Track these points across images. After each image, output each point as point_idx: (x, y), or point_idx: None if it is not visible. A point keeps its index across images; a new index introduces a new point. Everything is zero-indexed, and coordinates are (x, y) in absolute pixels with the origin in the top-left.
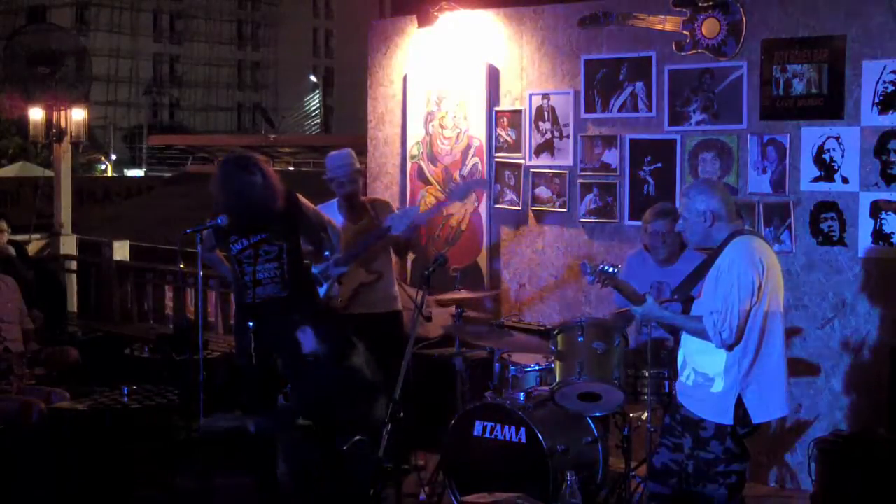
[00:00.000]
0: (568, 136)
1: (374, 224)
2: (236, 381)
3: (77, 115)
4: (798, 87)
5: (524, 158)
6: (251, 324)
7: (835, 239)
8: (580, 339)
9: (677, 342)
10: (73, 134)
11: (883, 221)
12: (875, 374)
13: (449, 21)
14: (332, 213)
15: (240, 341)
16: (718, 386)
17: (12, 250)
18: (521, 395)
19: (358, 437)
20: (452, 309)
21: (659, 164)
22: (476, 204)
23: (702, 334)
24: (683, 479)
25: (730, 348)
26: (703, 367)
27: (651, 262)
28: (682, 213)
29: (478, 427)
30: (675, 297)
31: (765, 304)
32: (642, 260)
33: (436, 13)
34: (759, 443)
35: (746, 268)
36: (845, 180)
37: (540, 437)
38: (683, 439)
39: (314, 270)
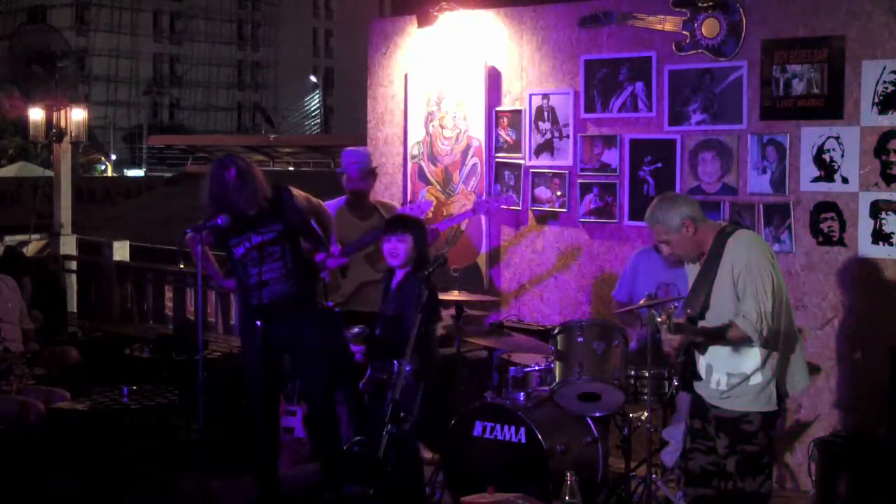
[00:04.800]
0: (568, 136)
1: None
2: (240, 382)
3: (77, 115)
4: (798, 87)
5: (524, 158)
6: (259, 323)
7: (835, 239)
8: (580, 339)
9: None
10: (73, 134)
11: (883, 221)
12: (875, 374)
13: (449, 21)
14: (336, 209)
15: (246, 342)
16: (758, 378)
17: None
18: (521, 395)
19: (357, 438)
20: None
21: (659, 164)
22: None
23: (740, 339)
24: (723, 478)
25: (768, 342)
26: (738, 367)
27: (660, 262)
28: (661, 238)
29: (478, 427)
30: (689, 312)
31: (780, 286)
32: (651, 259)
33: (436, 13)
34: None
35: (761, 259)
36: (845, 180)
37: (540, 437)
38: (718, 440)
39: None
